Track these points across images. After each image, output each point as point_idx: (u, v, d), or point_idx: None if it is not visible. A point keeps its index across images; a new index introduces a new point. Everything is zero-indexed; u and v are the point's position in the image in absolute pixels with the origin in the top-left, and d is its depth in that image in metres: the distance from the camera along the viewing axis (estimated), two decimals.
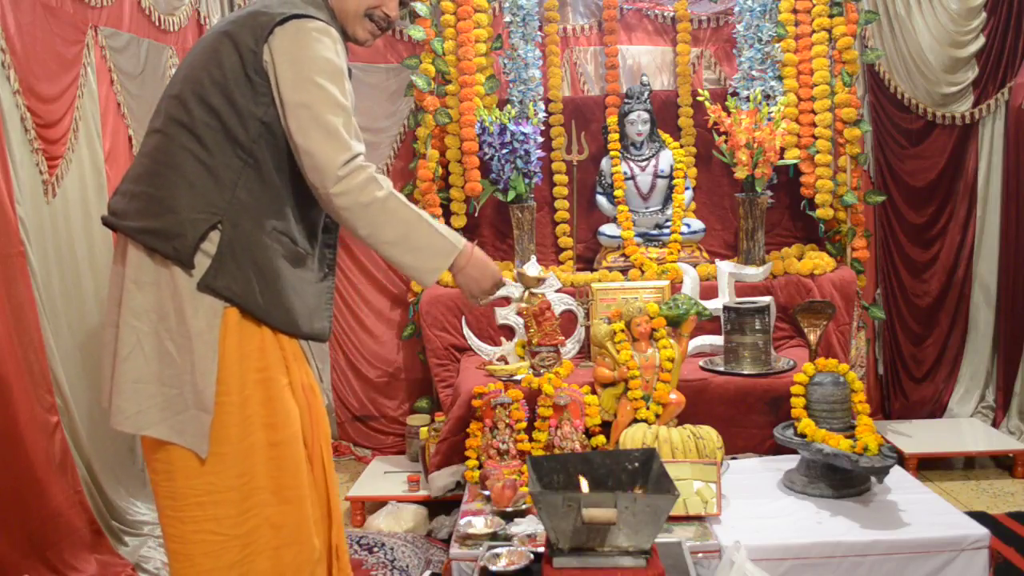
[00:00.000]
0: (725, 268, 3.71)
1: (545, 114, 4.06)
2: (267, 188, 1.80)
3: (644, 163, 4.05)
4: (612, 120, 4.12)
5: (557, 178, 4.15)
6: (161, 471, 1.79)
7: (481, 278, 1.90)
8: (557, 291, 3.74)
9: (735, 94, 4.05)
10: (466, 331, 3.74)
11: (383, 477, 3.71)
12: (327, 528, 1.92)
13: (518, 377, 3.31)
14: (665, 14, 4.30)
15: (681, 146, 4.16)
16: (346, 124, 1.77)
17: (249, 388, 1.78)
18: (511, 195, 3.82)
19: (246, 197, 1.77)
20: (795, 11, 3.93)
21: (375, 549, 3.14)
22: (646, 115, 4.03)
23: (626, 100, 4.07)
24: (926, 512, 2.63)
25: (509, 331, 3.73)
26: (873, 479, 2.76)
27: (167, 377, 1.75)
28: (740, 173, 3.74)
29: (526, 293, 2.29)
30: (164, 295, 1.75)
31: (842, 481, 2.78)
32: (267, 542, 1.81)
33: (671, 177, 4.05)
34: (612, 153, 4.08)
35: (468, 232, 4.12)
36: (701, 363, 3.44)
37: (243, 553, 1.79)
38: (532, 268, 2.11)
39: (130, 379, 1.75)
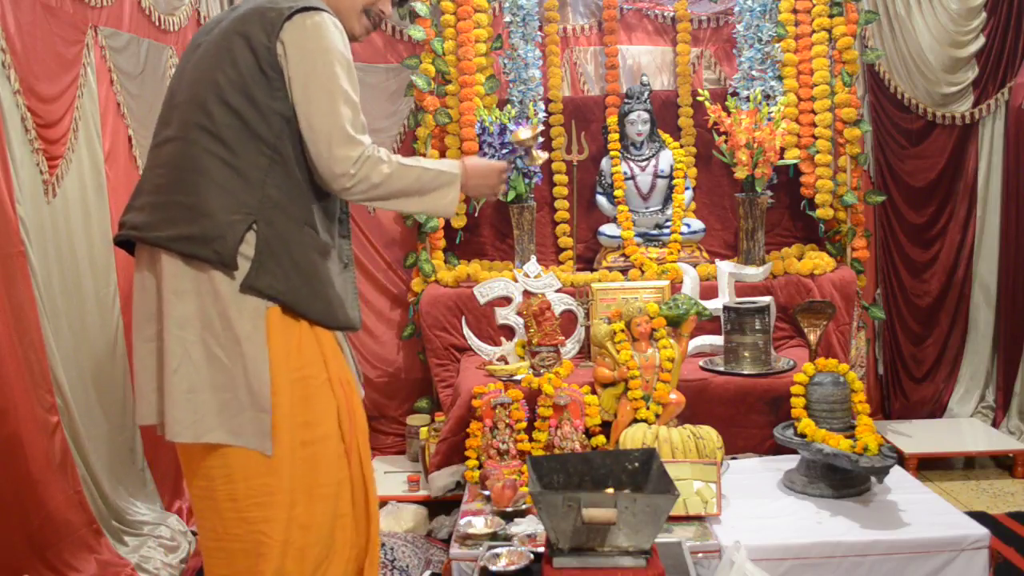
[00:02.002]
0: (725, 268, 3.71)
1: (545, 114, 4.06)
2: (293, 183, 1.80)
3: (644, 163, 4.05)
4: (612, 120, 4.12)
5: (557, 178, 4.15)
6: (219, 476, 1.78)
7: (487, 181, 2.01)
8: (557, 291, 3.74)
9: (735, 94, 4.05)
10: (466, 331, 3.74)
11: (383, 477, 3.71)
12: (367, 523, 1.90)
13: (518, 377, 3.31)
14: (665, 14, 4.30)
15: (681, 146, 4.16)
16: (354, 120, 1.80)
17: (290, 386, 1.78)
18: (511, 195, 3.82)
19: (276, 194, 1.77)
20: (795, 11, 3.94)
21: None
22: (646, 115, 4.03)
23: (626, 100, 4.07)
24: (926, 512, 2.63)
25: (509, 331, 3.73)
26: (873, 479, 2.76)
27: (219, 383, 1.74)
28: (740, 173, 3.74)
29: (529, 150, 2.29)
30: (206, 301, 1.74)
31: (842, 481, 2.78)
32: (294, 542, 1.80)
33: (671, 177, 4.05)
34: (612, 153, 4.08)
35: (468, 232, 4.13)
36: (701, 363, 3.44)
37: (282, 559, 1.79)
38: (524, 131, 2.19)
39: (183, 390, 1.74)
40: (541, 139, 2.11)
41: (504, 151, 3.74)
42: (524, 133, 2.19)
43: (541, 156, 2.27)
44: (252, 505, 1.77)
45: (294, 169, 1.80)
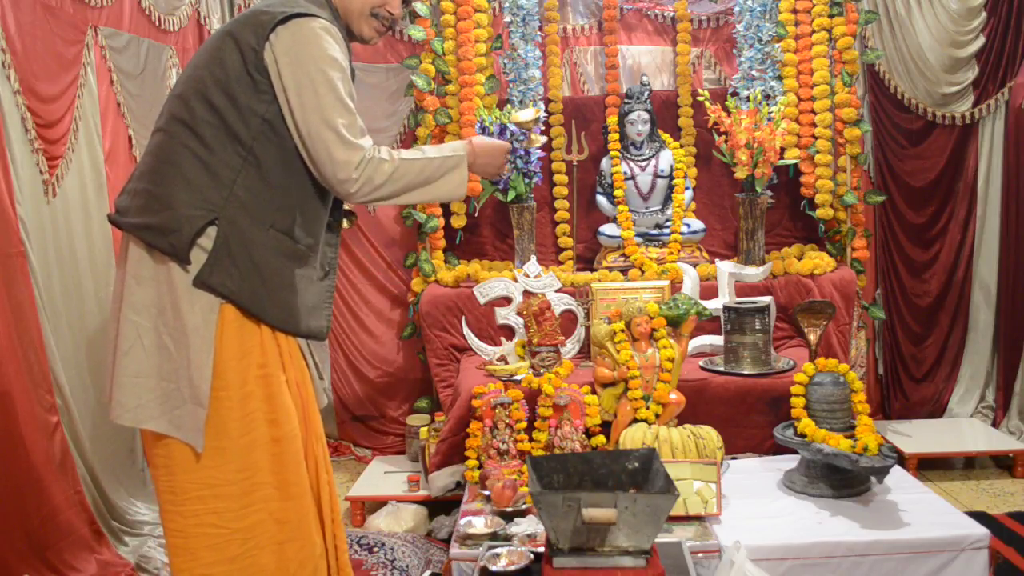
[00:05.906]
0: (725, 268, 3.71)
1: (545, 114, 4.06)
2: (267, 186, 1.81)
3: (644, 163, 4.05)
4: (612, 120, 4.12)
5: (557, 178, 4.15)
6: (161, 465, 1.81)
7: (493, 160, 2.03)
8: (557, 291, 3.74)
9: (735, 94, 4.05)
10: (466, 331, 3.74)
11: (383, 477, 3.71)
12: (320, 526, 1.93)
13: (518, 377, 3.31)
14: (665, 14, 4.30)
15: (681, 146, 4.16)
16: (350, 125, 1.80)
17: (251, 384, 1.80)
18: (511, 195, 3.82)
19: (244, 195, 1.78)
20: (795, 11, 3.94)
21: (375, 549, 3.14)
22: (646, 115, 4.03)
23: (626, 100, 4.07)
24: (926, 512, 2.63)
25: (509, 331, 3.73)
26: (873, 479, 2.76)
27: (165, 372, 1.77)
28: (740, 173, 3.74)
29: (528, 132, 2.37)
30: (162, 290, 1.77)
31: (842, 481, 2.78)
32: (271, 537, 1.82)
33: (671, 177, 4.05)
34: (612, 153, 4.08)
35: (468, 232, 4.13)
36: (701, 363, 3.44)
37: (245, 547, 1.80)
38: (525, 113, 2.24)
39: (130, 373, 1.78)
40: (541, 125, 2.17)
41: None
42: (525, 115, 2.22)
43: (539, 139, 2.30)
44: (193, 499, 1.79)
45: (271, 172, 1.81)
